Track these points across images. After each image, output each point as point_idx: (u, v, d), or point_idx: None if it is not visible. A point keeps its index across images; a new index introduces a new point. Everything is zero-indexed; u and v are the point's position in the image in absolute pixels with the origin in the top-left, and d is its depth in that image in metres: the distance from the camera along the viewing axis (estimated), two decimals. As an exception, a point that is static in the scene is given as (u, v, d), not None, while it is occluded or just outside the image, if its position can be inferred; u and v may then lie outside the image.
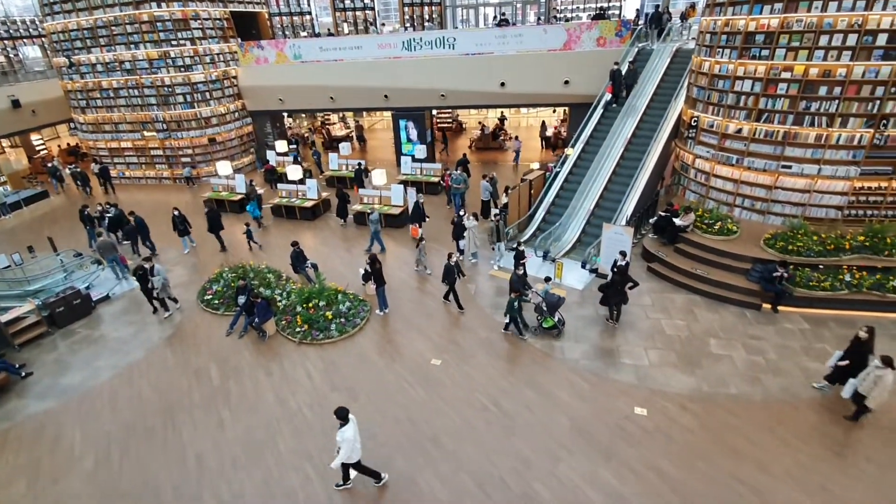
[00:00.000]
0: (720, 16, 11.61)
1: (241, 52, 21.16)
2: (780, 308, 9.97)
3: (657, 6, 17.72)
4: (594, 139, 14.92)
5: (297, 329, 10.08)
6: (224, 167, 17.90)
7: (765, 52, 10.77)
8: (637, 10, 19.44)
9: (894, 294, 9.54)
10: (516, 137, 22.01)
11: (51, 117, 23.42)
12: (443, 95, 19.21)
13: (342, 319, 10.22)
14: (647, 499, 6.26)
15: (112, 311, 11.71)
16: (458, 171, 15.81)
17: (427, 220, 14.14)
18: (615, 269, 9.83)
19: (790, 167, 11.08)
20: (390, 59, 19.55)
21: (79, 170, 20.26)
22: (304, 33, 25.66)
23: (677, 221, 11.72)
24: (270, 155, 20.47)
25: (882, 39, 9.52)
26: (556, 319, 9.60)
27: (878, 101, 9.91)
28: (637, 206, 12.80)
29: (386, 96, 19.87)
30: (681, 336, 9.45)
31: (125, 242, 14.66)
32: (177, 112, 20.12)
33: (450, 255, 10.48)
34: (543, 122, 23.94)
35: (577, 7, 23.41)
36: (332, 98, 20.58)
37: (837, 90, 10.14)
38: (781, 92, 10.75)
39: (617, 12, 20.16)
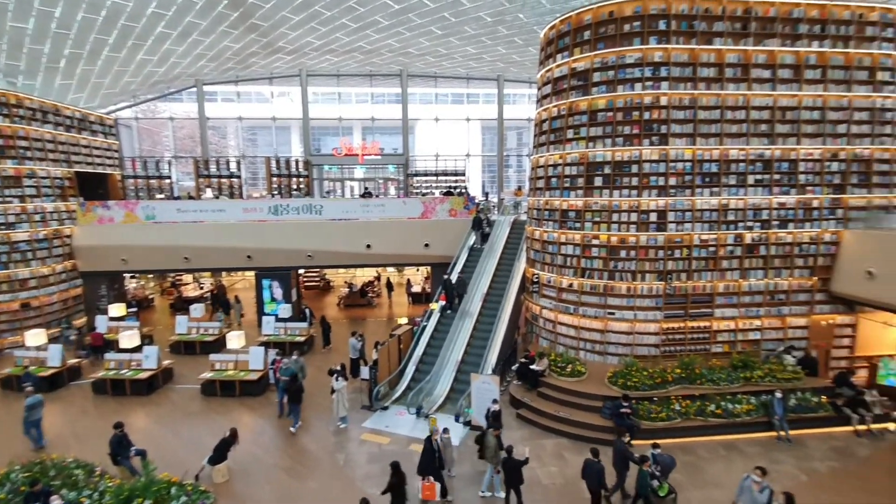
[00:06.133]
0: (541, 197, 14.57)
1: (82, 212, 19.52)
2: (633, 442, 10.77)
3: (481, 202, 20.53)
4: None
5: (108, 544, 7.69)
6: (36, 337, 14.82)
7: (577, 225, 13.54)
8: (455, 187, 23.74)
9: (715, 418, 11.13)
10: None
11: None
12: (309, 256, 19.57)
13: (174, 522, 8.14)
14: None
15: None
16: (294, 357, 13.23)
17: (453, 475, 9.75)
18: (489, 417, 9.97)
19: (614, 314, 13.19)
20: (256, 222, 19.78)
21: None
22: (161, 196, 25.04)
23: (534, 367, 12.65)
24: (101, 321, 17.70)
25: (654, 216, 12.81)
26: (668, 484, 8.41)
27: (661, 261, 12.84)
28: (499, 355, 13.62)
29: (249, 256, 19.51)
30: (556, 484, 9.47)
31: None
32: (-20, 274, 16.89)
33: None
34: (409, 280, 25.45)
35: (430, 185, 27.31)
36: (186, 258, 19.48)
37: (633, 253, 12.94)
38: (595, 254, 13.32)
39: (463, 191, 23.96)
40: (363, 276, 28.00)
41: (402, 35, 21.24)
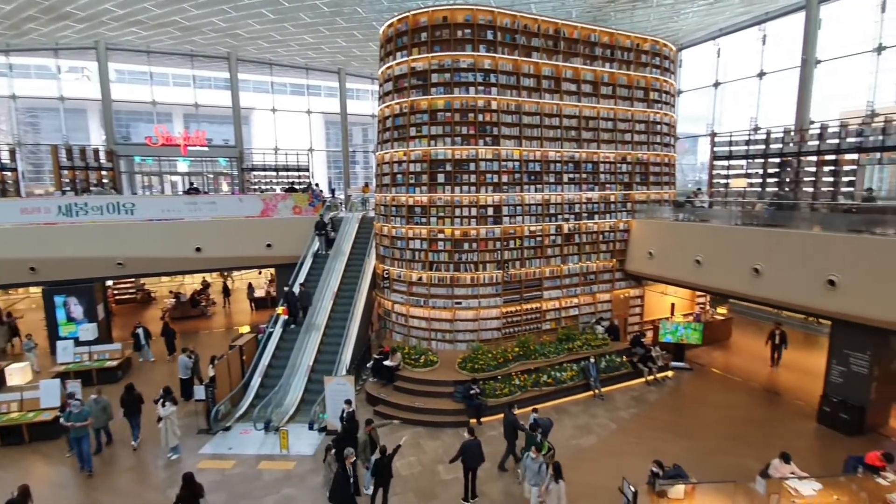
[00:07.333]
0: (388, 193, 14.71)
1: None
2: (482, 420, 11.68)
3: (327, 198, 20.13)
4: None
5: None
6: None
7: (424, 220, 14.03)
8: (316, 184, 22.84)
9: (547, 387, 12.67)
10: None
11: None
12: (120, 264, 16.54)
13: None
14: None
15: None
16: (93, 396, 10.48)
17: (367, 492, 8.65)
18: (344, 419, 9.74)
19: (460, 303, 14.05)
20: (40, 226, 15.97)
21: None
22: None
23: (388, 363, 12.78)
24: None
25: (490, 211, 13.96)
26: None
27: (499, 252, 14.09)
28: (354, 354, 13.41)
29: (33, 269, 15.64)
30: (414, 473, 9.74)
31: None
32: None
33: None
34: (250, 284, 23.39)
35: (271, 180, 25.36)
36: (-70, 276, 14.79)
37: (475, 245, 13.94)
38: (441, 248, 13.99)
39: (304, 187, 22.77)
40: (193, 283, 24.81)
41: (227, 14, 19.18)
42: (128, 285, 23.56)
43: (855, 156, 13.67)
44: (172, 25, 20.40)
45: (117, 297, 22.96)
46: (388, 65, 14.45)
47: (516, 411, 10.31)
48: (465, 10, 13.42)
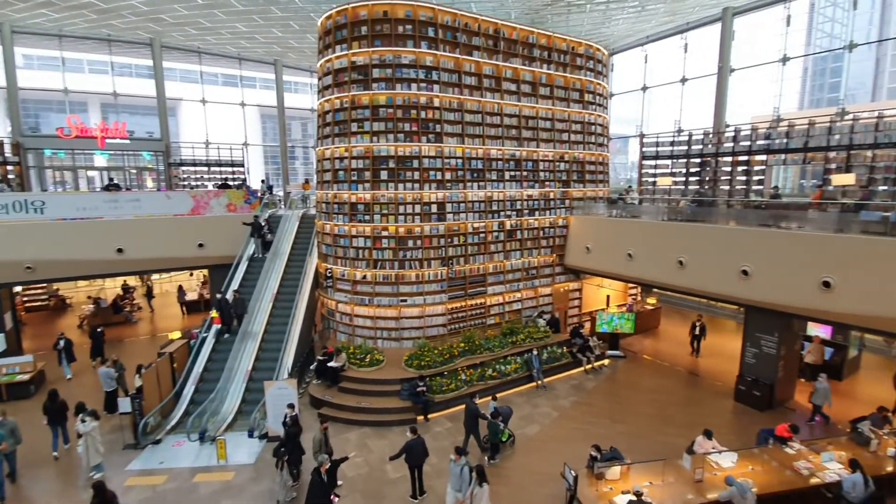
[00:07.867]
0: (329, 191, 14.36)
1: None
2: (429, 416, 11.74)
3: (266, 195, 19.28)
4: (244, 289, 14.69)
5: None
6: None
7: (367, 217, 13.83)
8: (262, 181, 21.75)
9: (492, 380, 12.92)
10: None
11: None
12: (29, 268, 14.96)
13: None
14: None
15: None
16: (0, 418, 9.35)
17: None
18: (287, 423, 9.42)
19: (406, 300, 14.00)
20: (-73, 227, 14.12)
21: None
22: None
23: (332, 364, 12.51)
24: None
25: (434, 208, 14.00)
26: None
27: (443, 248, 14.18)
28: (296, 356, 13.00)
29: (-82, 276, 13.82)
30: (361, 474, 9.62)
31: None
32: None
33: None
34: (181, 287, 22.00)
35: (202, 176, 23.90)
36: None
37: (419, 242, 13.93)
38: (385, 246, 13.86)
39: (240, 183, 21.65)
40: (116, 287, 22.92)
41: (150, -3, 17.83)
42: (39, 291, 21.38)
43: (764, 157, 15.07)
44: (87, 8, 18.63)
45: (27, 305, 20.82)
46: (327, 58, 14.07)
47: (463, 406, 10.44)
48: (405, 6, 13.32)
